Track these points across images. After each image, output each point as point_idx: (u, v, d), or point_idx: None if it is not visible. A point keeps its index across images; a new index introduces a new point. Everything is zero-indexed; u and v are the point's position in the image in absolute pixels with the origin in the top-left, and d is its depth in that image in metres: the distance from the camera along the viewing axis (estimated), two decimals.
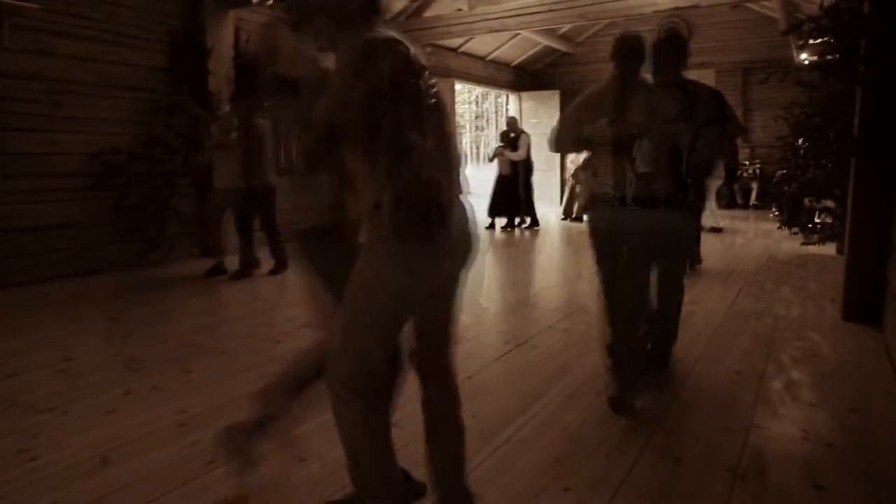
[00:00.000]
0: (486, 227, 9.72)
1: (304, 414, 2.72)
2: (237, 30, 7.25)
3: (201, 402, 2.92)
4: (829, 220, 6.65)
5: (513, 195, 9.72)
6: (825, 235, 6.53)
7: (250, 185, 5.72)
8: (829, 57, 4.34)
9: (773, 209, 9.98)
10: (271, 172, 5.32)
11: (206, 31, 6.90)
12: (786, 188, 6.71)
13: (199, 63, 6.81)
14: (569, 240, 8.93)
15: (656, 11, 7.98)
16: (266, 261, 6.15)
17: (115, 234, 6.28)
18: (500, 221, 9.89)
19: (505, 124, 10.47)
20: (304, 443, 2.46)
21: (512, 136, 9.73)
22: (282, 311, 4.66)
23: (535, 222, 9.91)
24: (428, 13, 9.71)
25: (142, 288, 5.62)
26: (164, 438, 2.55)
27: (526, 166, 9.75)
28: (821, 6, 4.20)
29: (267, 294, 5.43)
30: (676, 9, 8.04)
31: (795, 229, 7.03)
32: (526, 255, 7.90)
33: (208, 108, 6.68)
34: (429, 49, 10.70)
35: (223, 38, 7.05)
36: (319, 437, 2.50)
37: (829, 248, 6.57)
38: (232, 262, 6.11)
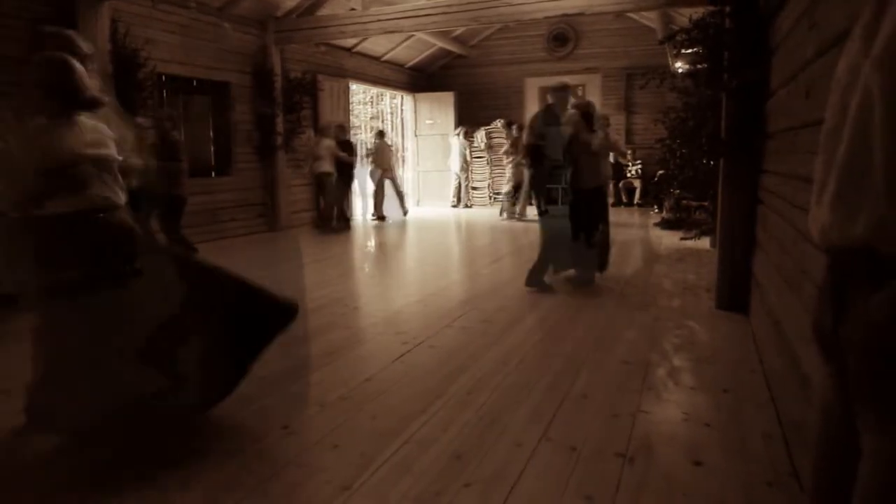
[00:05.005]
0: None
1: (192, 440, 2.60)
2: (114, 22, 6.78)
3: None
4: (703, 216, 7.19)
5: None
6: (701, 231, 7.05)
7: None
8: (698, 66, 4.70)
9: (655, 207, 10.66)
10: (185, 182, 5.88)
11: (79, 22, 6.38)
12: (665, 187, 7.18)
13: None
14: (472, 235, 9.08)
15: (546, 17, 8.28)
16: None
17: None
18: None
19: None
20: (187, 468, 2.35)
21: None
22: None
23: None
24: (321, 12, 9.55)
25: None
26: (43, 464, 2.34)
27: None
28: (690, 19, 4.52)
29: None
30: (564, 15, 8.39)
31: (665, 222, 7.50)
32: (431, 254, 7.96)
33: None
34: (322, 48, 10.53)
35: (98, 30, 6.56)
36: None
37: (705, 242, 7.09)
38: None
